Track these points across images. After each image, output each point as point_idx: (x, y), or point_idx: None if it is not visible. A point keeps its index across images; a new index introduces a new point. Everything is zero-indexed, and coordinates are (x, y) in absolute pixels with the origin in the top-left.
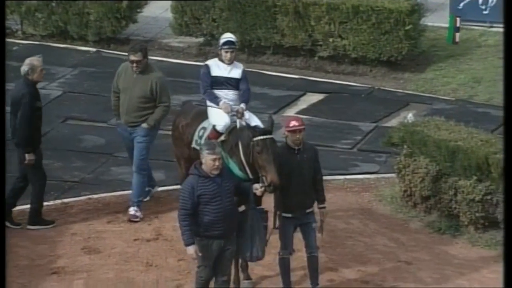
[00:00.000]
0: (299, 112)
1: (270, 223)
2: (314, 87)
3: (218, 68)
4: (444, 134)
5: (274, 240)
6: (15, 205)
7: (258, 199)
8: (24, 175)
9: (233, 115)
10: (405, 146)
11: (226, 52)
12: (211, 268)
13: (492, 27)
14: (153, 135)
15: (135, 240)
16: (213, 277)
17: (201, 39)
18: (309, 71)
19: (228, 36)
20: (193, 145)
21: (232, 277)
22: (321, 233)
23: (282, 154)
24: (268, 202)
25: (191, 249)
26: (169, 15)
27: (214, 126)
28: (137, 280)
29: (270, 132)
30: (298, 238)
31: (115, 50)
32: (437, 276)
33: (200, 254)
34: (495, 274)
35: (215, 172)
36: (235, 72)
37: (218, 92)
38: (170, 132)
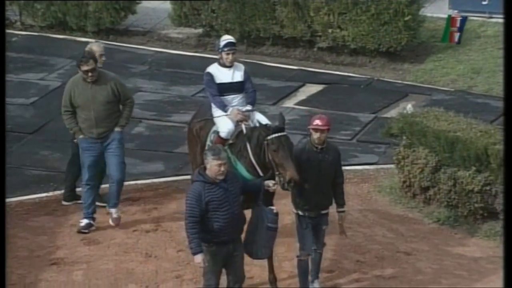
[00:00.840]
0: (298, 103)
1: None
2: (313, 78)
3: (220, 74)
4: (443, 125)
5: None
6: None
7: (269, 199)
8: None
9: (242, 120)
10: (404, 137)
11: (228, 54)
12: (219, 275)
13: (491, 17)
14: (124, 136)
15: (134, 231)
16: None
17: (200, 30)
18: (308, 62)
19: (228, 38)
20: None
21: (268, 276)
22: (344, 235)
23: (304, 151)
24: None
25: (199, 258)
26: (168, 6)
27: (218, 133)
28: (137, 271)
29: (283, 130)
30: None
31: (114, 41)
32: (436, 267)
33: (206, 264)
34: (494, 265)
35: (220, 177)
36: (238, 75)
37: (225, 98)
38: (170, 124)
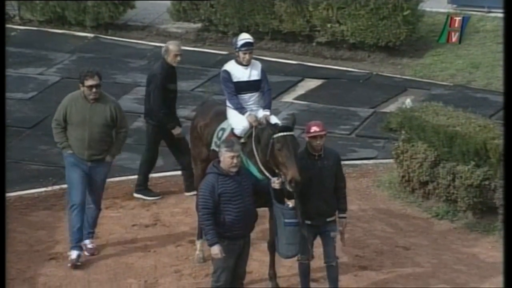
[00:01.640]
0: (297, 98)
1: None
2: (312, 73)
3: (237, 72)
4: (442, 119)
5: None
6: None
7: (279, 197)
8: (155, 148)
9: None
10: (403, 132)
11: (245, 53)
12: (230, 271)
13: (490, 12)
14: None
15: (133, 225)
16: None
17: (199, 25)
18: (307, 56)
19: (245, 38)
20: (212, 146)
21: (268, 271)
22: (342, 242)
23: (302, 159)
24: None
25: (216, 249)
26: (167, 0)
27: (232, 130)
28: (135, 266)
29: (291, 129)
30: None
31: (113, 36)
32: (435, 261)
33: (223, 255)
34: (493, 259)
35: (234, 170)
36: (255, 73)
37: (242, 96)
38: None
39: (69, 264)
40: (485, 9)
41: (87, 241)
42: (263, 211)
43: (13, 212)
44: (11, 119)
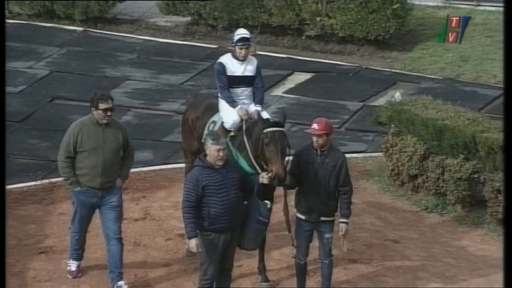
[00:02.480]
0: (286, 92)
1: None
2: (301, 66)
3: (232, 66)
4: (432, 113)
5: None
6: None
7: (268, 193)
8: None
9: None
10: (392, 125)
11: (241, 48)
12: (217, 264)
13: (479, 5)
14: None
15: (123, 219)
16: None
17: (188, 18)
18: (296, 50)
19: (242, 33)
20: (204, 139)
21: (257, 265)
22: (343, 248)
23: (303, 152)
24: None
25: (193, 242)
26: None
27: (222, 123)
28: (125, 260)
29: (281, 125)
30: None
31: (102, 30)
32: (424, 254)
33: (200, 250)
34: (482, 252)
35: (220, 163)
36: (250, 69)
37: (234, 90)
38: (158, 112)
39: (70, 276)
40: (474, 3)
41: (121, 283)
42: None
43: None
44: None
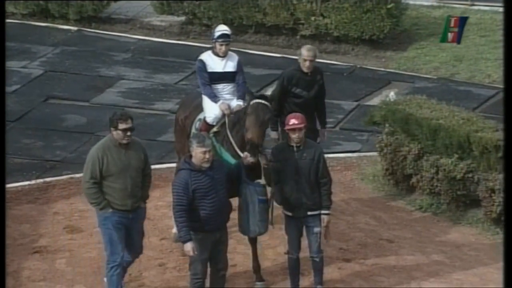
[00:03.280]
0: None
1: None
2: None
3: (213, 62)
4: (426, 112)
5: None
6: None
7: (257, 173)
8: None
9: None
10: (387, 125)
11: (221, 45)
12: (206, 263)
13: (473, 5)
14: None
15: None
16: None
17: (182, 18)
18: (291, 50)
19: (223, 29)
20: (189, 141)
21: (251, 264)
22: (325, 238)
23: (279, 149)
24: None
25: (189, 246)
26: None
27: (204, 118)
28: None
29: (266, 98)
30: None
31: (96, 29)
32: (419, 254)
33: (196, 252)
34: (476, 252)
35: (206, 165)
36: (230, 65)
37: (216, 86)
38: (153, 112)
39: None
40: (469, 2)
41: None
42: None
43: None
44: None
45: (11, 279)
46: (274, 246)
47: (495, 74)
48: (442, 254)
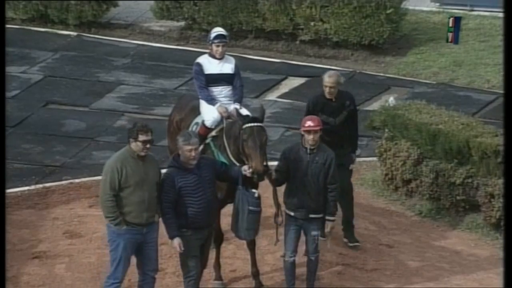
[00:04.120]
0: (280, 96)
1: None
2: (295, 71)
3: (210, 65)
4: (425, 117)
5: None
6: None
7: (251, 183)
8: None
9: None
10: (386, 130)
11: (218, 46)
12: (197, 260)
13: (472, 10)
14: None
15: None
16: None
17: (182, 23)
18: (290, 55)
19: (218, 30)
20: (176, 139)
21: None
22: (327, 243)
23: (292, 150)
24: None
25: (176, 242)
26: None
27: (203, 122)
28: None
29: (259, 121)
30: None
31: (96, 34)
32: (418, 259)
33: (183, 249)
34: (476, 257)
35: (193, 163)
36: (227, 67)
37: (213, 89)
38: (152, 117)
39: None
40: (468, 8)
41: None
42: None
43: None
44: None
45: (11, 284)
46: (274, 251)
47: (495, 79)
48: (441, 259)
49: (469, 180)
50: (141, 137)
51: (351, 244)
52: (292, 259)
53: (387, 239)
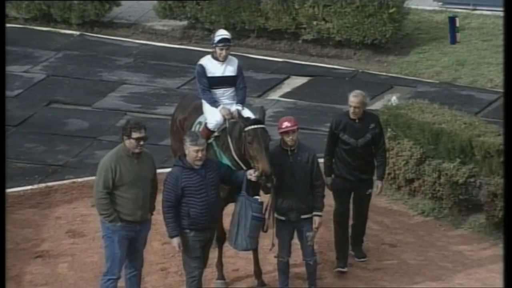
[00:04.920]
0: (283, 96)
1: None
2: (298, 70)
3: (212, 67)
4: (428, 117)
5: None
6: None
7: (254, 189)
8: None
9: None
10: (389, 129)
11: (221, 49)
12: (199, 261)
13: (475, 9)
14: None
15: None
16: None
17: (185, 22)
18: (293, 54)
19: (223, 34)
20: (183, 139)
21: (253, 268)
22: (311, 242)
23: (274, 154)
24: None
25: (175, 241)
26: None
27: (205, 124)
28: None
29: (261, 122)
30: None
31: (99, 34)
32: (421, 258)
33: (181, 248)
34: (478, 256)
35: (198, 163)
36: (230, 69)
37: (215, 91)
38: (155, 116)
39: None
40: (471, 7)
41: None
42: None
43: None
44: None
45: (13, 283)
46: (276, 250)
47: (497, 79)
48: (444, 258)
49: (472, 180)
50: (135, 134)
51: (358, 260)
52: (286, 259)
53: (389, 238)
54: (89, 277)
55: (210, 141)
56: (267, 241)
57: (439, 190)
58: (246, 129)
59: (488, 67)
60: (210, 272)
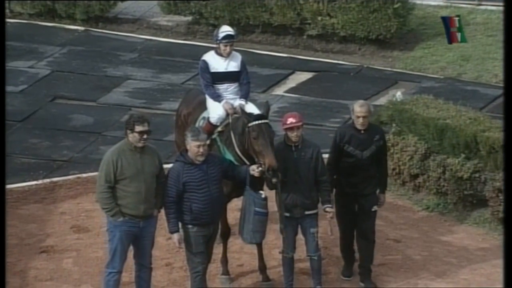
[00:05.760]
0: (287, 91)
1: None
2: (303, 66)
3: (215, 62)
4: (433, 112)
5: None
6: None
7: (258, 184)
8: None
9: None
10: (393, 125)
11: (225, 46)
12: (203, 256)
13: (480, 5)
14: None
15: None
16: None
17: (189, 18)
18: (297, 49)
19: (227, 30)
20: (184, 135)
21: (257, 264)
22: (332, 233)
23: (278, 150)
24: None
25: (176, 237)
26: None
27: (208, 118)
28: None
29: (265, 117)
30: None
31: (103, 29)
32: (426, 254)
33: (182, 244)
34: (483, 252)
35: (200, 159)
36: (233, 65)
37: (219, 87)
38: (159, 112)
39: None
40: (476, 2)
41: None
42: None
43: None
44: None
45: (18, 278)
46: (280, 246)
47: (502, 74)
48: (449, 254)
49: (477, 175)
50: (138, 128)
51: None
52: (290, 255)
53: (394, 234)
54: (94, 272)
55: (214, 136)
56: (272, 236)
57: (443, 186)
58: (250, 124)
59: (493, 62)
60: (214, 267)
